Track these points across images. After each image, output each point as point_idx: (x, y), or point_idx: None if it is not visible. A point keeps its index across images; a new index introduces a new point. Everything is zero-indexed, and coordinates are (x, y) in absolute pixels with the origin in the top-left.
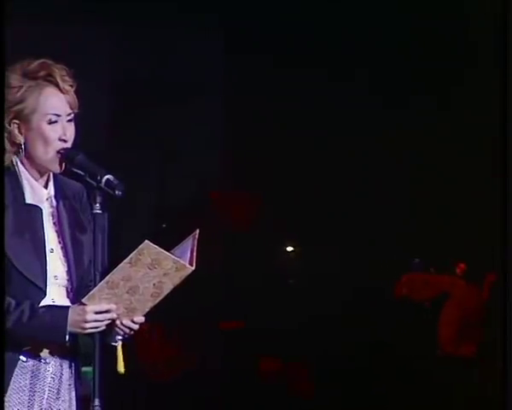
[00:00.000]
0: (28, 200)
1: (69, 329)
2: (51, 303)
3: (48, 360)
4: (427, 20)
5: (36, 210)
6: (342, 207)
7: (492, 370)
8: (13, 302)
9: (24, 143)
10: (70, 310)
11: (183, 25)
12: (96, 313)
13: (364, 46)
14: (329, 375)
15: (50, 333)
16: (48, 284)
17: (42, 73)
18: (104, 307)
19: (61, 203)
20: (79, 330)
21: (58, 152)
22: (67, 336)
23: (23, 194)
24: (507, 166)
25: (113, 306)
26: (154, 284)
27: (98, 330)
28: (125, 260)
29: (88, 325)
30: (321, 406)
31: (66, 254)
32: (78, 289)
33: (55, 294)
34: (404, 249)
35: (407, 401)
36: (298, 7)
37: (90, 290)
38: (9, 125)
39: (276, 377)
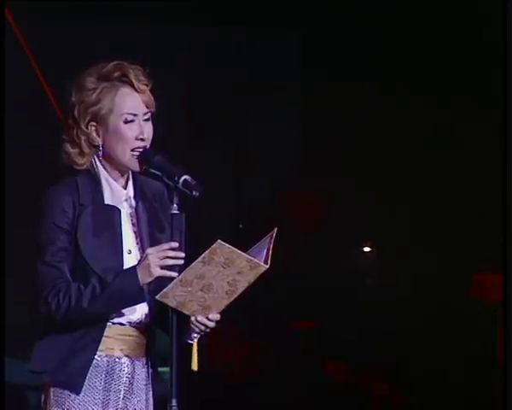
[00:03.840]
0: (107, 200)
1: (141, 282)
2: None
3: (122, 360)
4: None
5: (114, 211)
6: (418, 207)
7: None
8: (74, 285)
9: (102, 145)
10: (137, 267)
11: (262, 24)
12: (159, 252)
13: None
14: (403, 382)
15: (128, 296)
16: None
17: (116, 74)
18: (164, 246)
19: (140, 204)
20: (149, 278)
21: (136, 152)
22: (145, 294)
23: (102, 194)
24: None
25: (174, 246)
26: (228, 282)
27: (164, 272)
28: (197, 260)
29: (153, 270)
30: None
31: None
32: (155, 291)
33: None
34: (475, 250)
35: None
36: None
37: None
38: (87, 128)
39: (345, 381)
